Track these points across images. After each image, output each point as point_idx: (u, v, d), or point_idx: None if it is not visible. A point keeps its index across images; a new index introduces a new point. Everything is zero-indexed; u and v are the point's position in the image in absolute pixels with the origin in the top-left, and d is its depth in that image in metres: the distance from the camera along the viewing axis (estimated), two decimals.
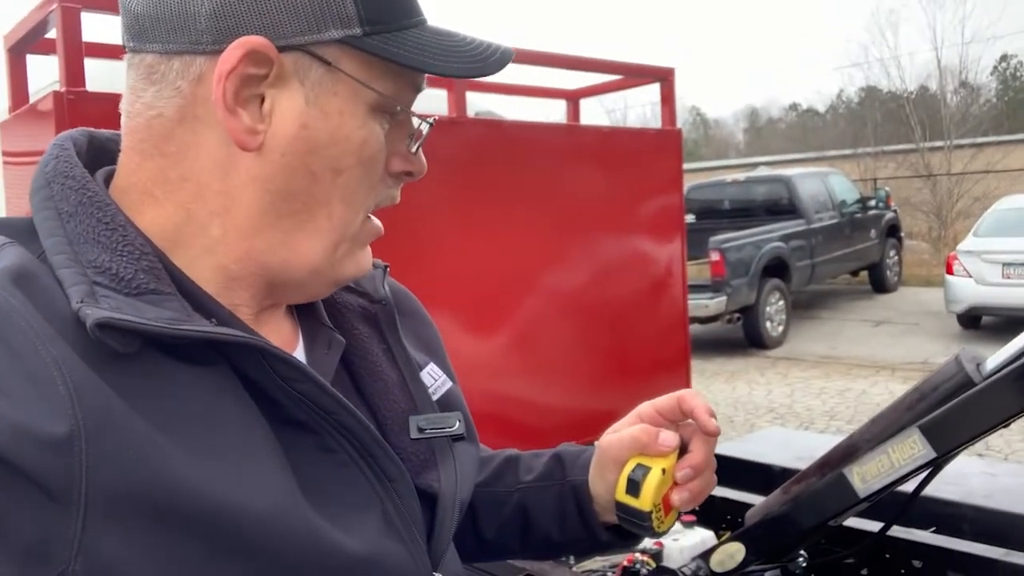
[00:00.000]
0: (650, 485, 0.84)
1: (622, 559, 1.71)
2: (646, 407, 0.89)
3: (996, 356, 1.17)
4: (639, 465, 0.85)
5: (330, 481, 0.64)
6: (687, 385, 3.01)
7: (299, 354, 0.72)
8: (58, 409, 0.50)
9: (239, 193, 0.63)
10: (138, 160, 0.65)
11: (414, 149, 0.70)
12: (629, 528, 0.89)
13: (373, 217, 0.71)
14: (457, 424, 0.76)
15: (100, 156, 0.69)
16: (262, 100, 0.62)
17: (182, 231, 0.64)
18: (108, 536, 0.50)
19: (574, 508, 0.92)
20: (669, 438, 0.86)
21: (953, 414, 1.12)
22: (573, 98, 2.78)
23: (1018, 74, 40.05)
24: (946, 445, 1.13)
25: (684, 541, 1.65)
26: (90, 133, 0.70)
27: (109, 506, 0.50)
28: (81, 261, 0.58)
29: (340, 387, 0.70)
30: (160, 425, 0.54)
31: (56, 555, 0.49)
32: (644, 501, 0.84)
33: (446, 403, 0.82)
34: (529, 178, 2.30)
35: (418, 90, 0.69)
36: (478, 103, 2.52)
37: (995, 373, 1.12)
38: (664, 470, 0.85)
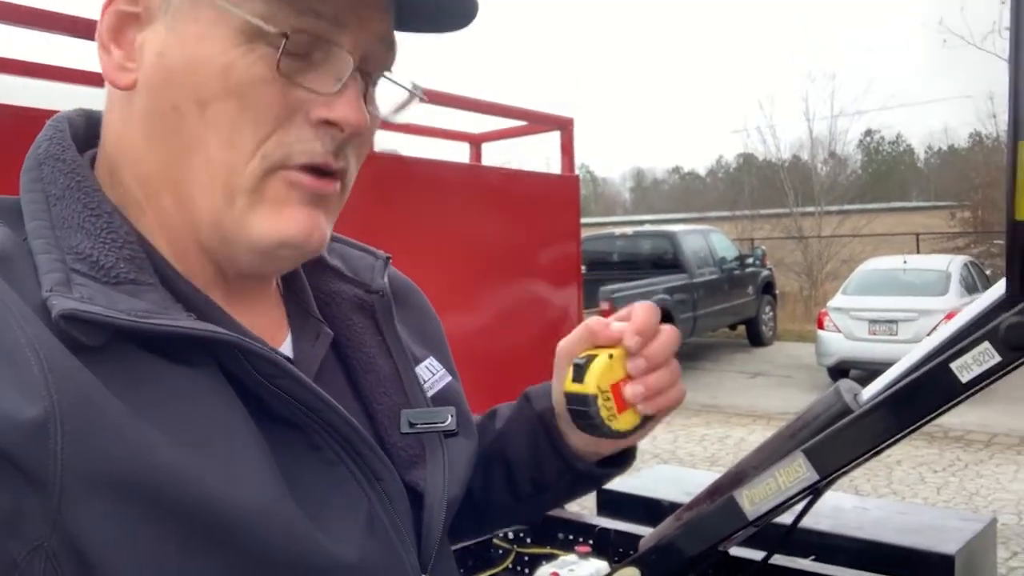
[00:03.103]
0: (594, 369, 0.77)
1: None
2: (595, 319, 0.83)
3: (871, 387, 1.26)
4: (587, 354, 0.80)
5: (316, 479, 0.62)
6: None
7: (286, 347, 0.70)
8: (32, 391, 0.48)
9: (134, 141, 0.61)
10: (103, 133, 0.65)
11: (335, 89, 0.60)
12: (579, 423, 0.80)
13: (300, 172, 0.61)
14: (449, 419, 0.73)
15: (95, 138, 0.66)
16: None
17: (126, 200, 0.63)
18: (85, 517, 0.49)
19: (545, 438, 0.86)
20: (620, 326, 0.79)
21: (833, 439, 1.20)
22: (475, 142, 2.84)
23: (880, 148, 43.29)
24: (827, 468, 1.21)
25: (579, 571, 1.68)
26: (88, 113, 0.68)
27: (86, 487, 0.49)
28: (61, 247, 0.57)
29: (333, 380, 0.68)
30: (138, 411, 0.52)
31: (30, 530, 0.48)
32: (588, 385, 0.77)
33: (444, 397, 0.79)
34: (430, 216, 2.33)
35: (317, 15, 0.59)
36: (382, 142, 2.54)
37: (870, 402, 1.21)
38: (611, 355, 0.78)
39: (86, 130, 0.66)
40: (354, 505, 0.64)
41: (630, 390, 0.79)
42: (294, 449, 0.61)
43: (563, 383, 0.80)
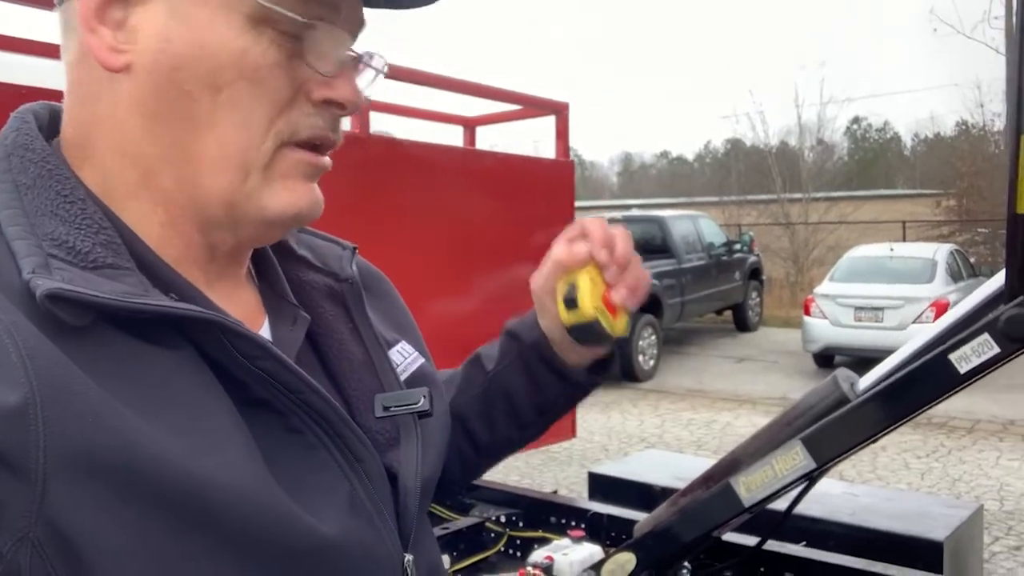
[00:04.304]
0: (583, 293, 0.85)
1: (513, 575, 1.73)
2: (556, 241, 0.92)
3: (868, 376, 1.28)
4: (567, 283, 0.87)
5: (297, 462, 0.62)
6: (571, 418, 3.07)
7: (264, 331, 0.71)
8: (11, 377, 0.48)
9: (127, 124, 0.61)
10: (67, 116, 0.65)
11: (336, 71, 0.64)
12: (588, 342, 0.90)
13: (301, 148, 0.65)
14: (422, 400, 0.74)
15: (59, 128, 0.67)
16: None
17: (107, 182, 0.63)
18: (70, 504, 0.48)
19: (542, 365, 0.93)
20: (584, 246, 0.87)
21: (831, 427, 1.21)
22: (470, 125, 2.83)
23: (868, 135, 43.43)
24: (824, 456, 1.22)
25: (573, 556, 1.69)
26: (51, 106, 0.68)
27: (70, 474, 0.49)
28: (37, 233, 0.56)
29: (306, 365, 0.68)
30: (119, 396, 0.52)
31: (14, 521, 0.47)
32: (585, 310, 0.85)
33: (417, 380, 0.81)
34: (426, 199, 2.32)
35: (320, 2, 0.62)
36: (376, 123, 2.53)
37: (868, 391, 1.22)
38: (591, 278, 0.87)
39: (50, 122, 0.67)
40: (335, 487, 0.64)
41: (617, 296, 0.89)
42: (275, 432, 0.62)
43: (559, 316, 0.88)
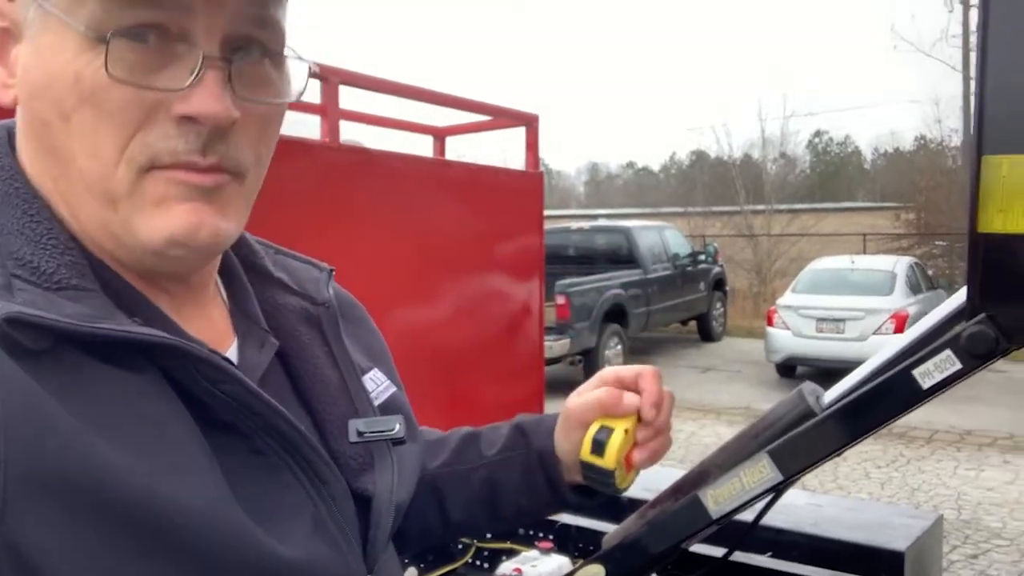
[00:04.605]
0: (613, 445, 0.89)
1: None
2: (608, 372, 0.94)
3: (833, 390, 1.30)
4: (603, 427, 0.90)
5: (261, 484, 0.62)
6: None
7: (231, 353, 0.70)
8: None
9: (31, 155, 0.61)
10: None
11: (187, 84, 0.57)
12: (594, 486, 0.94)
13: (172, 168, 0.59)
14: (397, 427, 0.75)
15: None
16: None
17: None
18: (30, 525, 0.48)
19: (541, 474, 0.95)
20: (632, 399, 0.90)
21: (797, 441, 1.23)
22: (440, 135, 2.83)
23: (829, 149, 44.19)
24: (791, 469, 1.24)
25: (541, 568, 1.69)
26: (9, 126, 0.67)
27: (30, 495, 0.48)
28: (2, 253, 0.56)
29: (277, 389, 0.68)
30: (82, 417, 0.52)
31: None
32: (608, 460, 0.89)
33: (389, 407, 0.81)
34: (396, 209, 2.31)
35: (153, 4, 0.56)
36: (346, 132, 2.52)
37: (833, 405, 1.24)
38: (627, 431, 0.90)
39: (10, 140, 0.66)
40: (299, 508, 0.64)
41: (638, 457, 0.93)
42: (238, 454, 0.61)
43: (580, 451, 0.91)
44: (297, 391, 0.74)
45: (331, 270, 0.83)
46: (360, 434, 0.73)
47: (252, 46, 0.62)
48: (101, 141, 0.57)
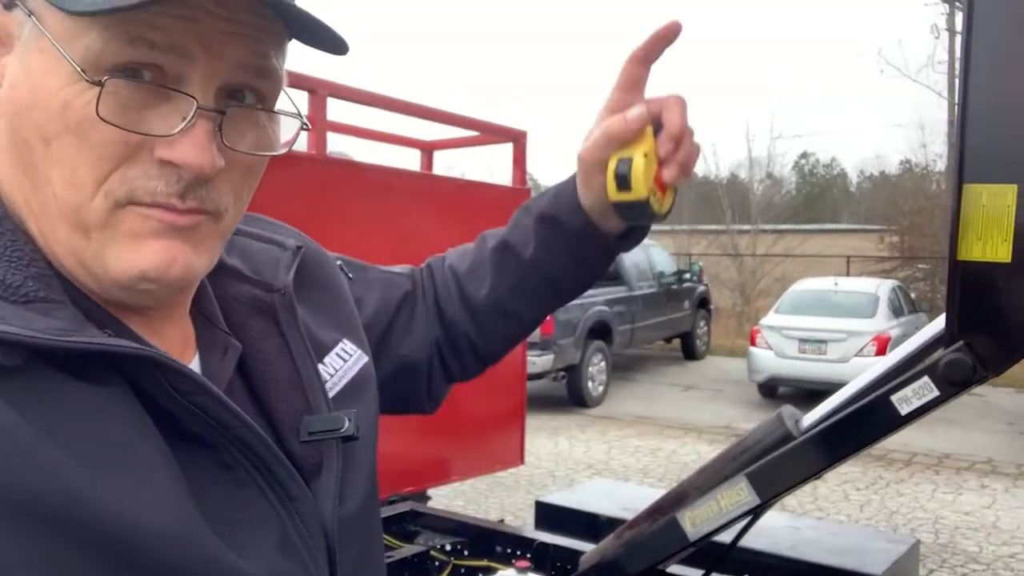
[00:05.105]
0: (638, 174, 0.81)
1: None
2: (608, 96, 0.86)
3: (811, 414, 1.30)
4: (620, 159, 0.83)
5: (228, 499, 0.61)
6: (522, 440, 3.06)
7: (195, 364, 0.68)
8: None
9: (5, 166, 0.60)
10: None
11: (176, 130, 0.56)
12: (636, 222, 0.89)
13: (151, 209, 0.58)
14: (347, 424, 0.70)
15: None
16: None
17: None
18: None
19: (588, 247, 0.92)
20: (636, 114, 0.82)
21: (775, 464, 1.23)
22: (427, 149, 2.83)
23: (815, 171, 44.59)
24: (769, 492, 1.24)
25: None
26: None
27: None
28: None
29: (234, 394, 0.66)
30: (49, 434, 0.51)
31: None
32: (638, 190, 0.82)
33: (357, 385, 0.78)
34: (382, 222, 2.30)
35: (152, 46, 0.55)
36: (333, 144, 2.51)
37: (811, 429, 1.24)
38: (646, 154, 0.82)
39: None
40: (266, 524, 0.63)
41: (668, 175, 0.85)
42: (205, 468, 0.60)
43: (608, 193, 0.84)
44: (250, 390, 0.71)
45: (297, 248, 0.79)
46: (311, 434, 0.70)
47: (247, 91, 0.61)
48: (80, 171, 0.56)
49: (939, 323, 1.17)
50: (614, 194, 0.84)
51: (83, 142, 0.56)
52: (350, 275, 0.91)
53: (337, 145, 2.59)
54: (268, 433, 0.66)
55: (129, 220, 0.58)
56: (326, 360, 0.77)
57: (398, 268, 1.03)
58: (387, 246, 2.12)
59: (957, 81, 1.06)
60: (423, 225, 2.41)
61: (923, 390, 1.12)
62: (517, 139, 2.77)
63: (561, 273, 0.96)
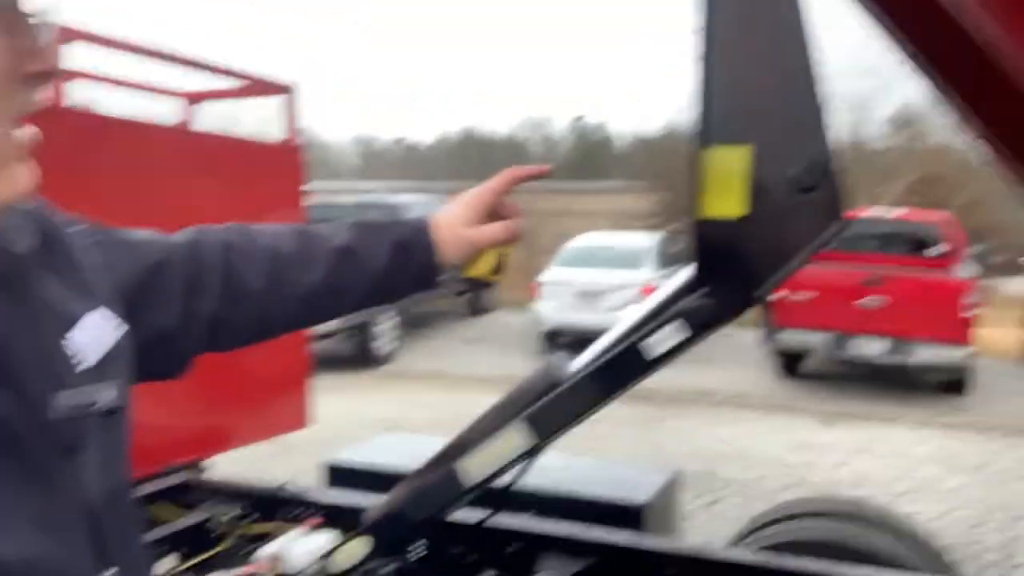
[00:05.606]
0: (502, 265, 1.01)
1: (242, 571, 1.68)
2: (481, 196, 1.21)
3: (577, 360, 1.40)
4: (498, 257, 1.05)
5: None
6: (306, 402, 3.01)
7: None
8: None
9: None
10: None
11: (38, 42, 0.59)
12: (461, 284, 1.12)
13: (22, 126, 0.60)
14: (106, 396, 0.68)
15: None
16: None
17: None
18: None
19: (429, 276, 1.08)
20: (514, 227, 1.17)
21: (548, 407, 1.32)
22: (190, 101, 2.63)
23: (587, 133, 46.75)
24: (544, 433, 1.32)
25: (305, 545, 1.68)
26: None
27: None
28: None
29: None
30: None
31: None
32: (486, 272, 1.09)
33: (114, 357, 0.73)
34: (135, 183, 2.12)
35: None
36: (76, 95, 2.26)
37: (576, 375, 1.34)
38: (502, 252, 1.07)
39: None
40: (21, 504, 0.60)
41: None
42: None
43: (471, 270, 1.13)
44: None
45: (38, 206, 0.73)
46: (64, 409, 0.65)
47: None
48: None
49: (686, 273, 1.29)
50: (477, 272, 1.14)
51: None
52: (99, 239, 0.85)
53: (83, 95, 2.35)
54: (18, 410, 0.62)
55: (10, 146, 0.59)
56: (77, 330, 0.71)
57: (155, 235, 0.96)
58: (138, 207, 1.95)
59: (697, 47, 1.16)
60: (183, 183, 2.26)
61: (676, 332, 1.23)
62: (286, 91, 2.67)
63: (396, 288, 1.08)
